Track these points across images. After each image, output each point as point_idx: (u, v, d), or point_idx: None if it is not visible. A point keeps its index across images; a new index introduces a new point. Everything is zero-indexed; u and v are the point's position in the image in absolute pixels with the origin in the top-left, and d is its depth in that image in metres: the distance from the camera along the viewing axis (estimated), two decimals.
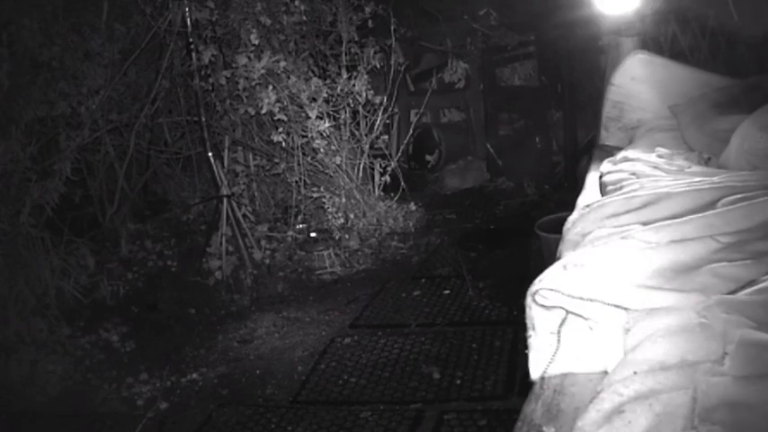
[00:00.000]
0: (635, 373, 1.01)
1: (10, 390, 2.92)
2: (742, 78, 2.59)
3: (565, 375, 1.20)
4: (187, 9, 3.74)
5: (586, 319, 1.20)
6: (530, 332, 1.26)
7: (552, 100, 4.94)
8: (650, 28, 3.30)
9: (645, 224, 1.46)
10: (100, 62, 3.97)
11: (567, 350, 1.21)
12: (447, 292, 3.49)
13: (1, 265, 3.25)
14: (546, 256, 3.37)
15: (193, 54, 3.81)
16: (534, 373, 1.23)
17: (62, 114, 3.83)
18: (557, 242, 3.40)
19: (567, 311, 1.21)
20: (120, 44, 4.11)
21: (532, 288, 1.26)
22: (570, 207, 3.71)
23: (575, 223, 1.67)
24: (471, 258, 3.90)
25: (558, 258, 1.43)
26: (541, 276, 1.28)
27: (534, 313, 1.25)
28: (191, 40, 3.80)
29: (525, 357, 2.85)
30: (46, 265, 3.49)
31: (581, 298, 1.20)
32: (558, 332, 1.22)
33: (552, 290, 1.23)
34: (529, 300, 1.26)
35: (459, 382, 2.67)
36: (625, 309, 1.17)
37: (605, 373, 1.11)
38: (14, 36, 3.57)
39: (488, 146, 5.35)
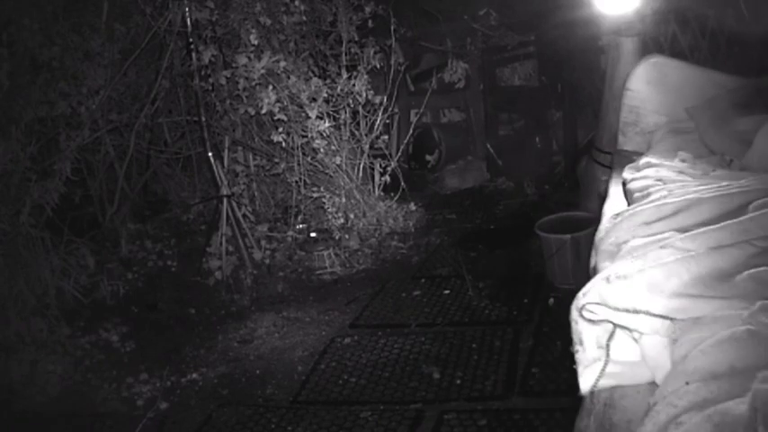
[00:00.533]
0: (687, 383, 1.00)
1: (10, 390, 2.92)
2: (757, 78, 2.58)
3: (614, 389, 1.20)
4: (187, 9, 3.74)
5: (632, 330, 1.20)
6: (576, 347, 1.26)
7: (552, 100, 4.94)
8: (650, 28, 3.31)
9: (678, 231, 1.46)
10: (100, 62, 3.97)
11: (615, 364, 1.21)
12: (447, 292, 3.49)
13: (1, 265, 3.25)
14: (546, 256, 3.38)
15: (193, 54, 3.81)
16: (584, 388, 1.23)
17: (62, 114, 3.83)
18: (557, 242, 3.42)
19: (615, 325, 1.21)
20: (120, 44, 4.11)
21: (578, 302, 1.26)
22: (570, 207, 3.74)
23: (608, 233, 1.66)
24: (471, 258, 3.90)
25: (594, 270, 1.43)
26: (585, 290, 1.28)
27: (581, 328, 1.25)
28: (191, 40, 3.80)
29: (525, 357, 2.86)
30: (46, 265, 3.49)
31: (627, 310, 1.20)
32: (607, 346, 1.22)
33: (599, 304, 1.23)
34: (575, 314, 1.26)
35: (459, 382, 2.67)
36: (671, 319, 1.17)
37: (653, 384, 1.11)
38: (14, 36, 3.57)
39: (488, 146, 5.35)
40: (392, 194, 4.67)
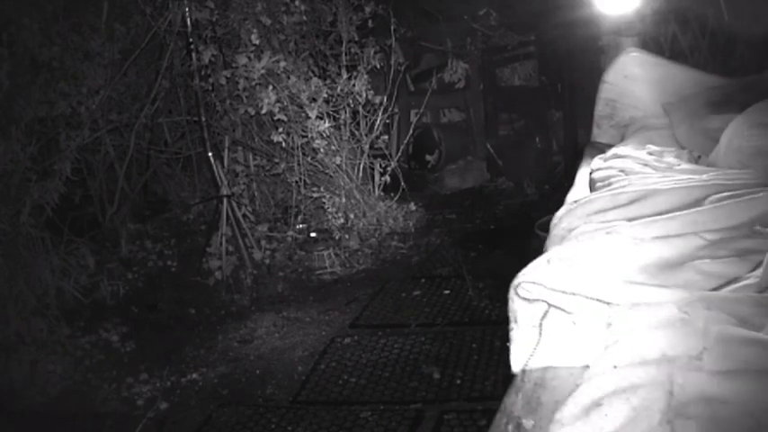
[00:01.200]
0: (615, 367, 1.01)
1: (10, 390, 2.92)
2: (740, 78, 2.59)
3: (546, 369, 1.19)
4: (187, 9, 3.74)
5: (569, 313, 1.20)
6: (512, 325, 1.26)
7: (552, 100, 4.94)
8: (650, 28, 3.31)
9: (631, 220, 1.46)
10: (100, 62, 3.97)
11: (548, 344, 1.21)
12: (447, 292, 3.49)
13: (1, 265, 3.25)
14: None
15: (193, 54, 3.81)
16: (515, 366, 1.23)
17: (62, 114, 3.83)
18: None
19: (549, 305, 1.21)
20: (120, 44, 4.11)
21: (515, 281, 1.27)
22: None
23: (561, 218, 1.67)
24: (471, 258, 3.90)
25: (545, 252, 1.43)
26: (525, 270, 1.28)
27: (516, 306, 1.25)
28: (191, 40, 3.80)
29: None
30: (46, 265, 3.49)
31: (563, 291, 1.20)
32: (540, 325, 1.22)
33: (535, 283, 1.24)
34: (511, 292, 1.26)
35: (459, 382, 2.67)
36: (607, 303, 1.17)
37: (587, 367, 1.11)
38: (14, 36, 3.57)
39: (488, 146, 5.35)
40: (392, 194, 4.67)
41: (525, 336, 1.23)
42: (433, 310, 3.30)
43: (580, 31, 4.09)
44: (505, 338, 3.07)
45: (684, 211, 1.42)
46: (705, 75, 2.72)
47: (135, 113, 4.28)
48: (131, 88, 4.33)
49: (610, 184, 1.82)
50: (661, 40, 3.51)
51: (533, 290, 1.23)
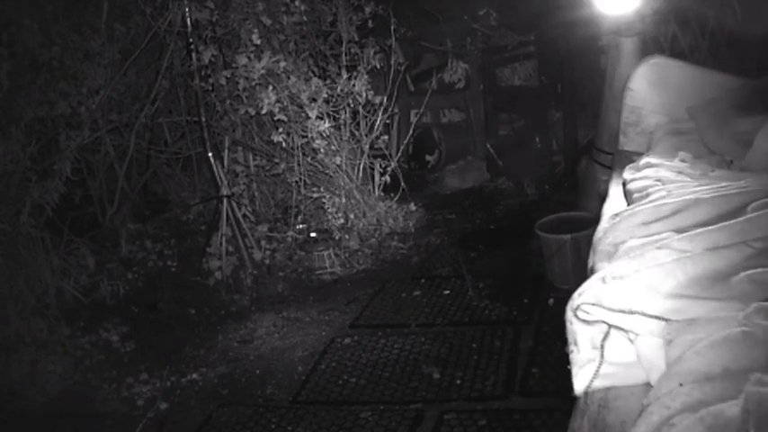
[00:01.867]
0: (680, 384, 1.00)
1: (10, 390, 2.92)
2: (760, 78, 2.58)
3: (608, 389, 1.19)
4: (187, 9, 3.73)
5: (627, 331, 1.20)
6: (571, 347, 1.26)
7: (552, 100, 4.94)
8: (650, 28, 3.31)
9: (676, 231, 1.45)
10: (100, 62, 3.97)
11: (610, 364, 1.21)
12: (447, 292, 3.49)
13: (1, 265, 3.25)
14: (546, 256, 3.38)
15: (193, 54, 3.81)
16: (578, 388, 1.23)
17: (62, 114, 3.82)
18: (556, 242, 3.42)
19: (610, 325, 1.21)
20: (120, 44, 4.11)
21: (573, 303, 1.26)
22: (570, 207, 3.74)
23: (606, 233, 1.66)
24: (471, 258, 3.90)
25: (592, 270, 1.43)
26: (581, 290, 1.27)
27: (576, 328, 1.25)
28: (191, 40, 3.80)
29: (525, 357, 2.86)
30: (46, 265, 3.49)
31: (622, 311, 1.20)
32: (602, 347, 1.22)
33: (594, 304, 1.23)
34: (569, 314, 1.26)
35: (459, 382, 2.67)
36: (665, 320, 1.17)
37: (647, 385, 1.10)
38: (14, 36, 3.57)
39: (488, 146, 5.34)
40: (392, 195, 4.67)
41: (587, 358, 1.23)
42: (433, 310, 3.30)
43: (580, 31, 4.09)
44: (505, 338, 3.07)
45: (731, 221, 1.41)
46: (725, 76, 2.72)
47: (135, 113, 4.28)
48: (131, 88, 4.33)
49: (648, 195, 1.81)
50: (661, 40, 3.51)
51: (592, 311, 1.23)
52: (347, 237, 4.26)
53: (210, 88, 4.09)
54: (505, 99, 5.48)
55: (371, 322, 3.30)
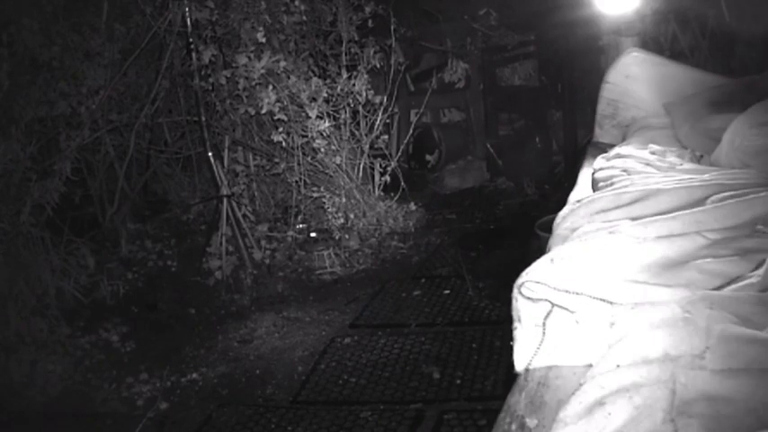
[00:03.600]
0: (618, 366, 1.02)
1: (10, 390, 2.92)
2: (741, 78, 2.60)
3: (549, 368, 1.20)
4: (187, 9, 3.74)
5: (572, 312, 1.20)
6: (515, 324, 1.27)
7: (552, 100, 4.94)
8: (650, 28, 3.31)
9: (634, 220, 1.47)
10: (100, 62, 3.97)
11: (551, 343, 1.21)
12: (447, 292, 3.49)
13: (1, 265, 3.25)
14: None
15: (193, 54, 3.81)
16: (519, 365, 1.24)
17: (62, 114, 3.83)
18: None
19: (553, 304, 1.22)
20: (120, 44, 4.11)
21: (519, 280, 1.27)
22: None
23: (564, 218, 1.68)
24: (471, 258, 3.90)
25: (548, 252, 1.43)
26: (528, 269, 1.29)
27: (520, 305, 1.26)
28: (191, 40, 3.80)
29: None
30: (46, 265, 3.49)
31: (567, 291, 1.21)
32: (544, 324, 1.22)
33: (539, 282, 1.24)
34: (515, 292, 1.27)
35: (459, 381, 2.67)
36: (611, 303, 1.18)
37: (590, 366, 1.11)
38: (14, 36, 3.57)
39: (488, 146, 5.35)
40: (392, 194, 4.67)
41: (529, 335, 1.24)
42: (433, 310, 3.30)
43: (580, 31, 4.09)
44: (506, 338, 3.06)
45: (687, 211, 1.43)
46: (706, 74, 2.73)
47: (135, 113, 4.28)
48: (131, 88, 4.33)
49: (612, 184, 1.82)
50: (661, 40, 3.51)
51: (537, 289, 1.24)
52: (347, 236, 4.26)
53: (210, 88, 4.09)
54: (505, 99, 5.48)
55: (371, 322, 3.30)
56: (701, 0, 3.28)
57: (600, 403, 0.95)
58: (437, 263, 3.93)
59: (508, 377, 2.65)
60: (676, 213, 1.42)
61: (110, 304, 3.65)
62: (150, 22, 4.01)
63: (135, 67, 4.25)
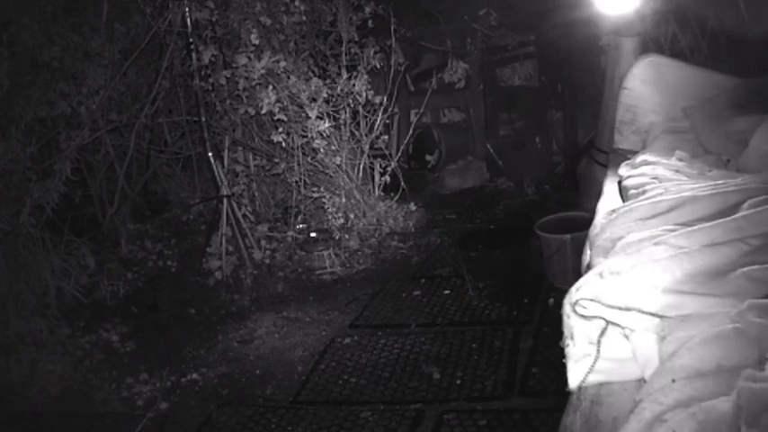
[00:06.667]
0: (673, 380, 1.01)
1: (10, 390, 2.92)
2: (757, 78, 2.58)
3: (601, 385, 1.20)
4: (187, 9, 3.74)
5: (623, 327, 1.20)
6: (567, 341, 1.26)
7: (552, 100, 4.93)
8: (650, 28, 3.31)
9: (673, 228, 1.46)
10: (100, 62, 3.97)
11: (605, 360, 1.21)
12: (447, 292, 3.49)
13: (1, 265, 3.25)
14: (546, 256, 3.38)
15: (193, 54, 3.81)
16: (573, 383, 1.23)
17: (62, 114, 3.83)
18: (557, 242, 3.42)
19: (608, 321, 1.22)
20: (120, 44, 4.11)
21: (571, 297, 1.26)
22: (570, 207, 3.74)
23: (603, 229, 1.66)
24: (471, 258, 3.90)
25: (588, 264, 1.43)
26: (579, 285, 1.28)
27: (573, 323, 1.25)
28: (191, 40, 3.80)
29: (525, 357, 2.86)
30: (46, 265, 3.49)
31: (619, 308, 1.20)
32: (599, 342, 1.22)
33: (592, 300, 1.24)
34: (568, 309, 1.26)
35: (459, 382, 2.67)
36: (660, 316, 1.17)
37: (640, 381, 1.11)
38: (14, 36, 3.57)
39: (488, 146, 5.34)
40: (392, 194, 4.67)
41: (582, 352, 1.24)
42: (433, 310, 3.30)
43: (580, 31, 4.09)
44: (505, 338, 3.07)
45: (727, 218, 1.42)
46: (721, 76, 2.72)
47: (135, 113, 4.28)
48: (131, 88, 4.33)
49: (644, 192, 1.82)
50: (661, 40, 3.51)
51: (591, 306, 1.23)
52: (347, 237, 4.26)
53: (210, 88, 4.09)
54: (505, 99, 5.48)
55: (371, 322, 3.30)
56: (701, 0, 3.28)
57: (660, 420, 0.93)
58: (437, 263, 3.93)
59: (508, 377, 2.65)
60: (717, 221, 1.41)
61: (110, 304, 3.65)
62: (150, 23, 4.01)
63: (135, 67, 4.25)
